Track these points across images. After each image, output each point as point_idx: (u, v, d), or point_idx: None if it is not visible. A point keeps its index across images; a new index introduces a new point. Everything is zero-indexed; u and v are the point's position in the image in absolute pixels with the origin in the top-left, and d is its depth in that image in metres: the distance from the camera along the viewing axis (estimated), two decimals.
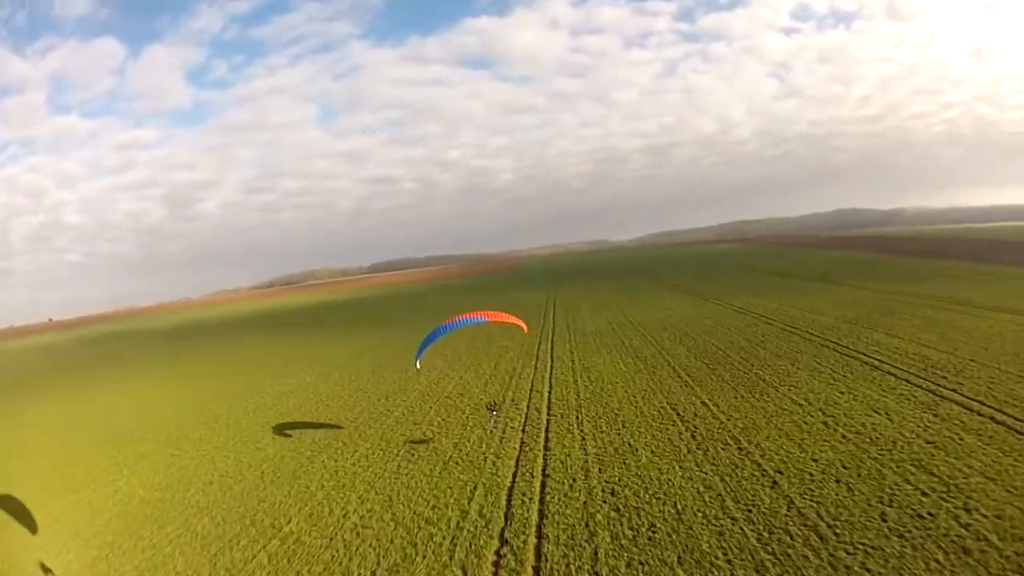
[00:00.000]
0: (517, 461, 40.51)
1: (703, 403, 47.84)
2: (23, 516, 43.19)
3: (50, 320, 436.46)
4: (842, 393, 46.65)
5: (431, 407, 56.57)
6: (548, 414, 49.79)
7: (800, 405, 44.98)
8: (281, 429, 56.70)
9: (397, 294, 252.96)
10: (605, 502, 32.97)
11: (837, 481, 32.34)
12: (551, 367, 66.84)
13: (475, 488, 36.85)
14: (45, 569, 34.52)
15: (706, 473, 35.09)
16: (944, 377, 47.85)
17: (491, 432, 47.12)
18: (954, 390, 44.55)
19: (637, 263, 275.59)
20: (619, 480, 35.52)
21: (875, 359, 55.27)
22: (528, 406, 52.77)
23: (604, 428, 44.59)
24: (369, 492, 38.53)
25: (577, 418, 47.73)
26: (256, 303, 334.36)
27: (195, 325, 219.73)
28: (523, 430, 46.51)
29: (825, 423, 40.87)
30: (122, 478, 48.69)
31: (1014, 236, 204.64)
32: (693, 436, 41.00)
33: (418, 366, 52.44)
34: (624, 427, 44.25)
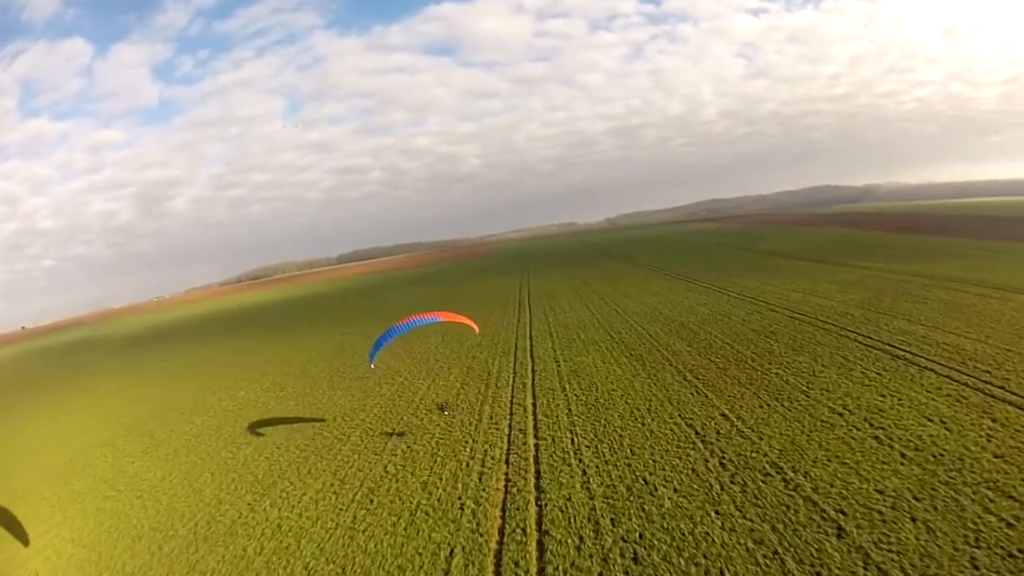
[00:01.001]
0: (503, 508, 31.89)
1: (723, 416, 39.78)
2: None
3: (23, 328, 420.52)
4: (883, 396, 39.33)
5: (394, 428, 47.80)
6: (536, 437, 41.03)
7: (840, 415, 37.41)
8: (224, 459, 48.59)
9: (363, 286, 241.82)
10: (628, 575, 24.62)
11: (913, 520, 25.42)
12: (533, 370, 58.26)
13: (452, 553, 28.27)
14: None
15: (751, 520, 27.16)
16: (987, 371, 41.33)
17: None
18: (1002, 387, 38.33)
19: (611, 245, 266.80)
20: (641, 536, 27.22)
21: (906, 351, 48.11)
22: (510, 426, 43.94)
23: (608, 456, 36.05)
24: (318, 559, 30.00)
25: (573, 442, 39.02)
26: (223, 301, 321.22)
27: (159, 328, 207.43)
28: (507, 462, 37.75)
29: (877, 438, 33.48)
30: (52, 528, 41.33)
31: (1006, 211, 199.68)
32: (722, 464, 32.99)
33: (373, 367, 50.07)
34: (633, 454, 35.82)
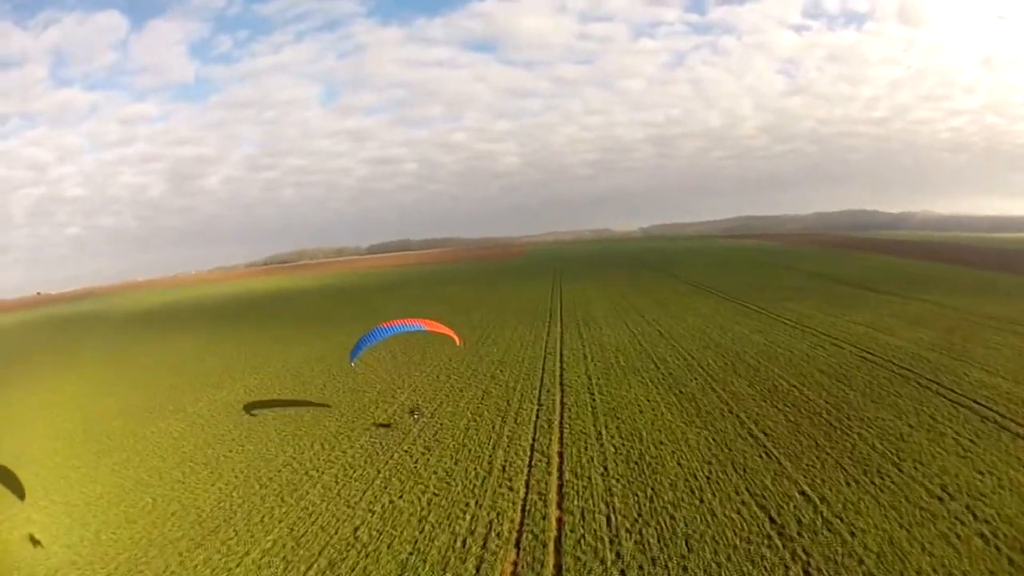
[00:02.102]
0: None
1: (803, 495, 30.19)
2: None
3: (39, 294, 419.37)
4: (981, 474, 31.31)
5: (378, 471, 37.84)
6: (560, 508, 31.07)
7: (940, 499, 29.01)
8: (174, 481, 40.04)
9: (388, 280, 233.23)
10: None
11: None
12: (562, 402, 48.25)
13: None
14: (34, 541, 33.46)
15: None
16: None
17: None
18: None
19: (648, 255, 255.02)
20: None
21: (994, 411, 40.27)
22: (527, 485, 33.88)
23: (657, 551, 26.19)
24: None
25: (609, 522, 29.07)
26: (243, 283, 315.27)
27: (169, 307, 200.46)
28: (517, 544, 27.98)
29: (983, 535, 26.06)
30: None
31: None
32: (807, 573, 23.44)
33: (353, 366, 48.14)
34: (690, 549, 26.08)
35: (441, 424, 44.78)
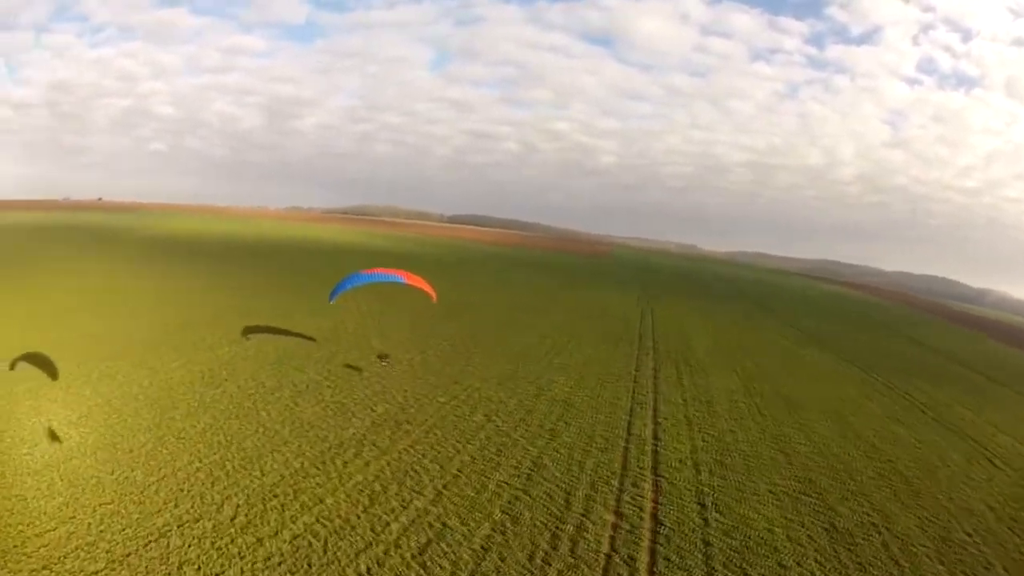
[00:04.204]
0: None
1: None
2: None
3: (67, 199, 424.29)
4: None
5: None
6: None
7: None
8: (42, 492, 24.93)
9: (459, 254, 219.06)
10: None
11: None
12: (655, 519, 30.20)
13: None
14: (53, 436, 31.86)
15: None
16: None
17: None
18: None
19: (743, 284, 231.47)
20: None
21: None
22: None
23: None
24: None
25: None
26: (312, 228, 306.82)
27: (215, 238, 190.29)
28: None
29: None
30: None
31: None
32: None
33: (332, 302, 49.28)
34: None
35: (443, 524, 27.20)
